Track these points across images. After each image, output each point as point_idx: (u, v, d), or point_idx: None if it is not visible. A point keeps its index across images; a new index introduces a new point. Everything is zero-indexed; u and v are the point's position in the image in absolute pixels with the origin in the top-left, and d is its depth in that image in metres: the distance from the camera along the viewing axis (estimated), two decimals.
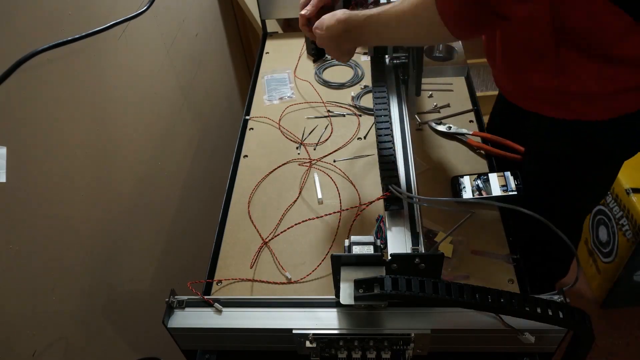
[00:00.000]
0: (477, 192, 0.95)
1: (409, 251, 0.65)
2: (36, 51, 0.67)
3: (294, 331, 0.66)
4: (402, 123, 0.93)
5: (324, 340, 0.66)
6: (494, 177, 0.96)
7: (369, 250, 0.65)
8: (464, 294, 0.58)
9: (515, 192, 0.94)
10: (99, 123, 0.90)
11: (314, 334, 0.65)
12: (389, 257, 0.62)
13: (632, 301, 1.58)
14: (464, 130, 1.09)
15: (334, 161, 1.06)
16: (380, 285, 0.59)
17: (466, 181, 0.97)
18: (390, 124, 0.89)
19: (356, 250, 0.65)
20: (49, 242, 0.76)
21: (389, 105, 0.92)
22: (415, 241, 0.66)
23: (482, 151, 1.06)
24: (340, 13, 0.81)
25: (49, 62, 0.74)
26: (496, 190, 0.95)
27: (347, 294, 0.61)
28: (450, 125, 1.10)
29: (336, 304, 0.67)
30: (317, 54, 1.32)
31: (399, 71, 1.03)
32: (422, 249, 0.66)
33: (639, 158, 0.92)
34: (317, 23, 0.85)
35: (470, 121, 1.13)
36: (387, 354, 0.67)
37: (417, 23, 0.73)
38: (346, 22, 0.80)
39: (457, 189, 0.97)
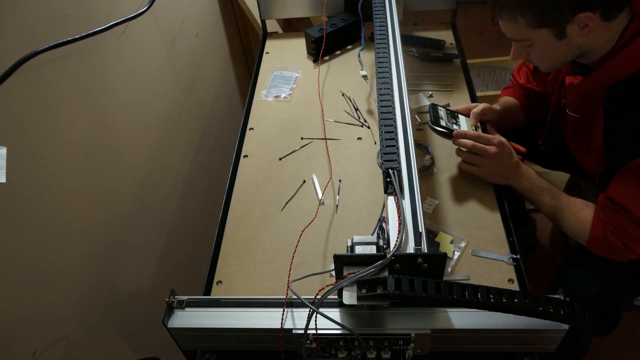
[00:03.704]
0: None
1: (412, 251, 0.65)
2: (36, 51, 0.68)
3: (294, 331, 0.66)
4: (404, 122, 0.93)
5: (324, 341, 0.66)
6: (462, 119, 1.05)
7: (371, 250, 0.65)
8: (465, 293, 0.58)
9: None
10: (99, 123, 0.90)
11: (314, 334, 0.65)
12: (392, 257, 0.62)
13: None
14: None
15: (332, 162, 1.06)
16: (383, 286, 0.59)
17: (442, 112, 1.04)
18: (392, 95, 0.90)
19: (359, 250, 0.65)
20: (49, 242, 0.76)
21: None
22: (418, 241, 0.66)
23: None
24: (522, 177, 0.97)
25: (49, 62, 0.74)
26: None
27: (349, 294, 0.61)
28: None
29: (338, 304, 0.67)
30: (317, 53, 1.32)
31: None
32: (424, 248, 0.66)
33: None
34: (495, 152, 0.94)
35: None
36: (387, 354, 0.67)
37: (573, 229, 0.96)
38: (521, 188, 0.98)
39: (435, 115, 1.02)
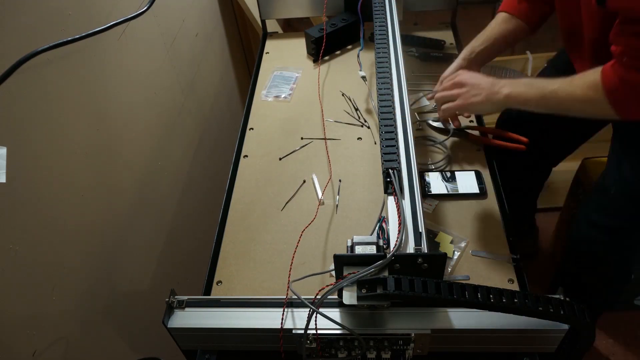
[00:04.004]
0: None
1: (412, 251, 0.65)
2: (36, 51, 0.68)
3: (294, 331, 0.66)
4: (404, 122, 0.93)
5: (324, 340, 0.66)
6: (460, 175, 1.01)
7: (371, 250, 0.65)
8: (465, 293, 0.58)
9: (478, 192, 0.97)
10: (99, 123, 0.90)
11: (314, 334, 0.65)
12: (392, 257, 0.62)
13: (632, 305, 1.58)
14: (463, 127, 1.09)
15: (332, 162, 1.06)
16: (383, 286, 0.59)
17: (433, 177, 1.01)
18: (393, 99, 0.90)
19: (359, 250, 0.65)
20: (49, 242, 0.76)
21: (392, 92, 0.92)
22: (418, 241, 0.66)
23: (481, 146, 1.06)
24: (503, 86, 0.89)
25: (49, 62, 0.74)
26: (463, 188, 0.98)
27: (349, 294, 0.61)
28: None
29: (338, 304, 0.67)
30: (317, 53, 1.32)
31: None
32: (424, 248, 0.66)
33: None
34: (459, 79, 0.93)
35: (471, 120, 1.13)
36: (387, 354, 0.67)
37: (587, 104, 0.82)
38: (511, 97, 0.88)
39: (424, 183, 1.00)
